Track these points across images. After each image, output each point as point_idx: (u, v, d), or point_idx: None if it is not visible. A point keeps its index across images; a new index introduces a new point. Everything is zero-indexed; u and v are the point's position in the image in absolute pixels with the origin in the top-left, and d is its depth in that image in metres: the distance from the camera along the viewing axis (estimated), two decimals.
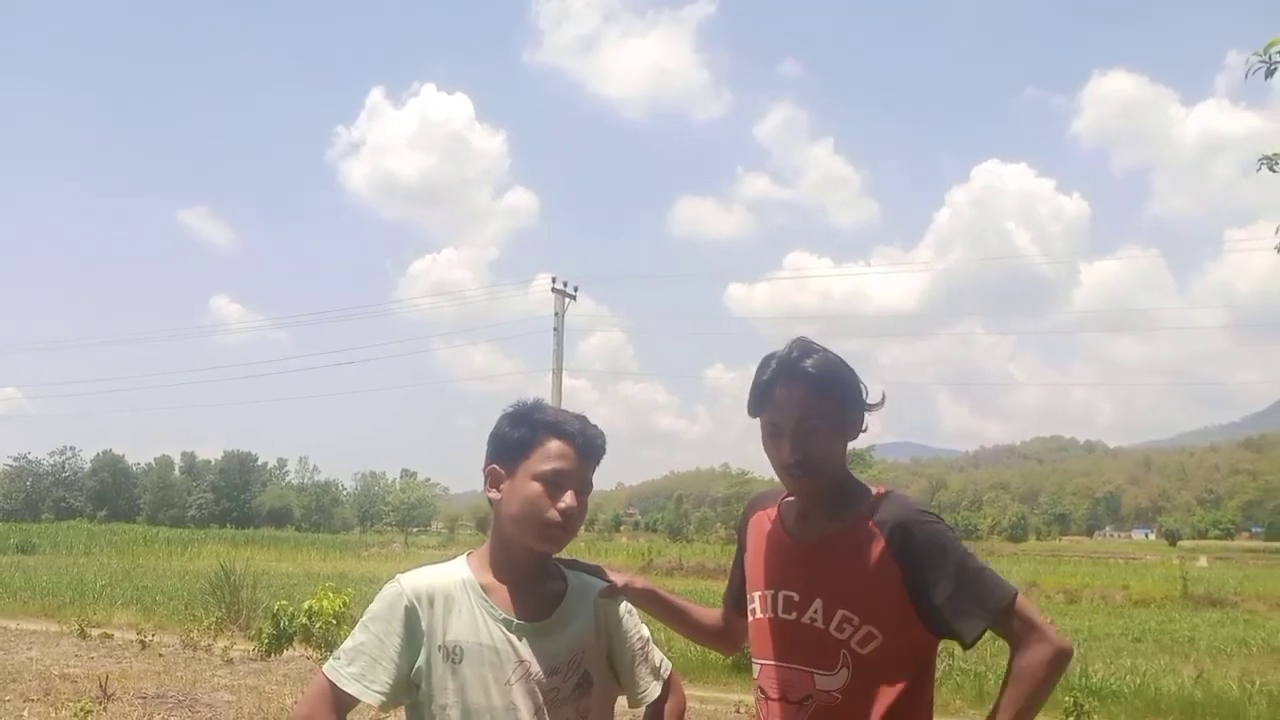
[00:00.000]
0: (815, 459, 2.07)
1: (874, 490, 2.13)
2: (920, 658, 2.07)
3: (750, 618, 2.20)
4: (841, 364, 2.11)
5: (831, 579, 2.05)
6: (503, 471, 2.04)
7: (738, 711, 8.71)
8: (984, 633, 2.01)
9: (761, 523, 2.27)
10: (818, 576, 2.08)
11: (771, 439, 2.11)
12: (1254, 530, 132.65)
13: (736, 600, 2.32)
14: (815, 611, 2.06)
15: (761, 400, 2.12)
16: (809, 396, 2.06)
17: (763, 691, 2.13)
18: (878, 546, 2.03)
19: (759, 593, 2.18)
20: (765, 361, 2.12)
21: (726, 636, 2.40)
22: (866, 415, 2.15)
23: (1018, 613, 1.99)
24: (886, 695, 2.01)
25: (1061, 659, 1.97)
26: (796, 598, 2.08)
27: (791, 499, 2.22)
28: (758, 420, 2.15)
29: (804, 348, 2.11)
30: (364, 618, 1.99)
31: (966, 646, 2.05)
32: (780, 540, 2.19)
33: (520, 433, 2.03)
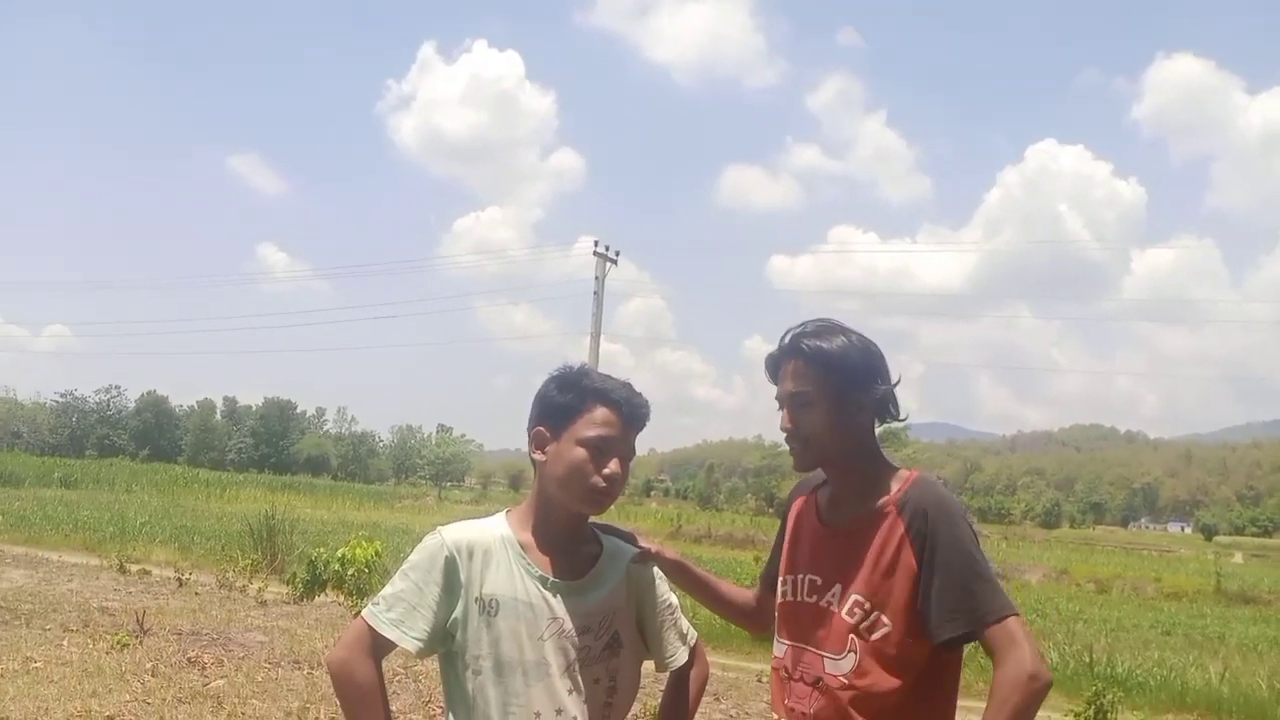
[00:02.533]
0: (805, 433, 2.13)
1: (905, 474, 2.13)
2: (934, 656, 2.02)
3: (780, 599, 2.23)
4: (858, 347, 2.13)
5: (850, 564, 2.07)
6: (548, 434, 2.06)
7: (760, 680, 8.76)
8: (959, 637, 1.97)
9: (800, 508, 2.31)
10: (839, 561, 2.10)
11: (778, 410, 2.18)
12: None
13: (770, 582, 2.34)
14: (832, 595, 2.09)
15: (771, 371, 2.21)
16: (807, 370, 2.11)
17: (786, 671, 2.16)
18: (897, 534, 2.04)
19: (789, 576, 2.22)
20: (782, 334, 2.19)
21: (755, 616, 2.42)
22: (891, 401, 2.15)
23: (1005, 627, 1.93)
24: (889, 687, 2.00)
25: (1036, 685, 1.86)
26: (819, 581, 2.12)
27: (825, 485, 2.25)
28: None
29: (819, 325, 2.16)
30: (404, 566, 2.03)
31: (937, 643, 1.99)
32: (812, 525, 2.23)
33: (567, 397, 2.05)
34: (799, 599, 2.16)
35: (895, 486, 2.10)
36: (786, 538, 2.30)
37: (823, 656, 2.07)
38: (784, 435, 2.17)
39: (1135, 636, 15.35)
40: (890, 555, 2.03)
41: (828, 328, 2.15)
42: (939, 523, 2.01)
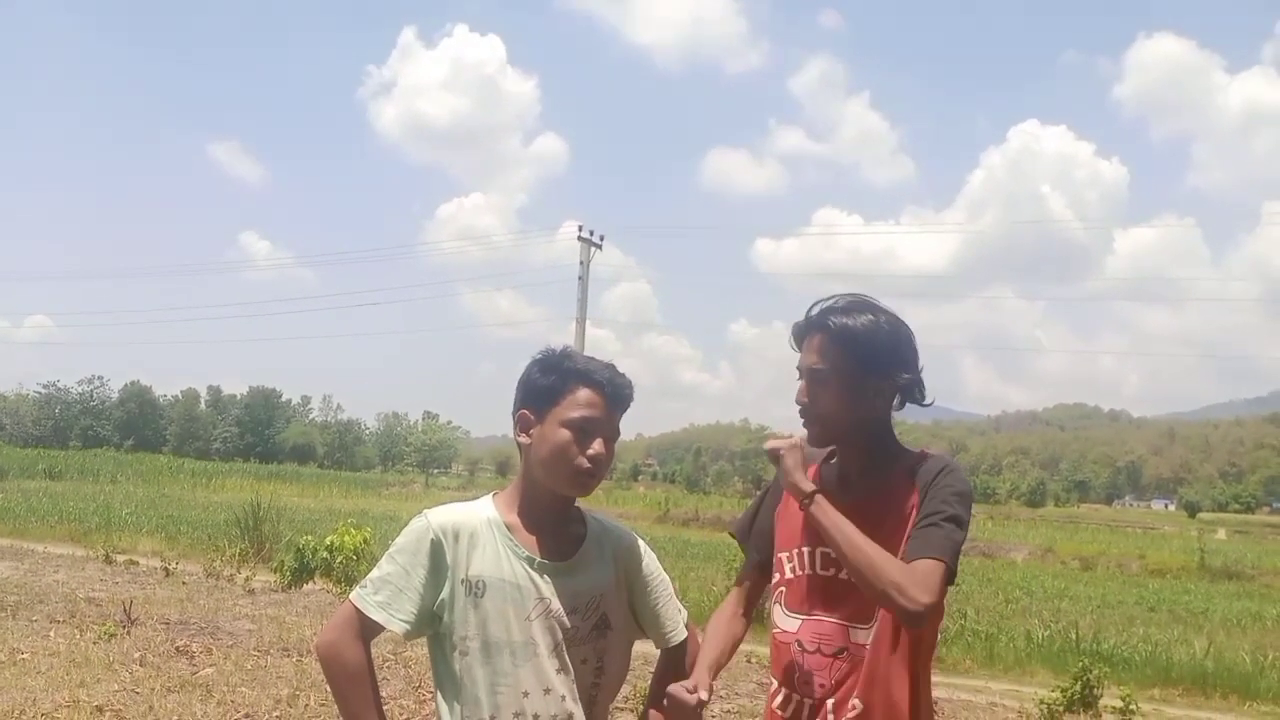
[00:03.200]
0: (819, 410, 2.13)
1: (919, 452, 2.16)
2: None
3: (788, 575, 2.21)
4: (886, 329, 2.11)
5: (867, 533, 2.05)
6: (532, 417, 2.07)
7: (749, 661, 8.80)
8: None
9: None
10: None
11: (798, 380, 2.18)
12: (1275, 505, 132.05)
13: (762, 566, 2.31)
14: None
15: (796, 340, 2.20)
16: (829, 347, 2.10)
17: (800, 645, 2.15)
18: (912, 500, 2.07)
19: (795, 549, 2.20)
20: (810, 306, 2.19)
21: (749, 616, 2.36)
22: (917, 386, 2.15)
23: (940, 562, 1.95)
24: (912, 642, 2.04)
25: (901, 595, 1.90)
26: (833, 554, 2.10)
27: (833, 460, 2.24)
28: (793, 372, 2.21)
29: (850, 301, 2.15)
30: (390, 549, 2.04)
31: None
32: None
33: (550, 380, 2.06)
34: (814, 572, 2.15)
35: (909, 462, 2.12)
36: (783, 509, 2.26)
37: (847, 627, 2.08)
38: (798, 409, 2.16)
39: (1120, 613, 15.49)
40: (905, 516, 2.05)
41: (858, 305, 2.13)
42: (939, 474, 2.06)
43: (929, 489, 2.05)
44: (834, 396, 2.10)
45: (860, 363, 2.08)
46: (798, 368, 2.17)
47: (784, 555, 2.22)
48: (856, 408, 2.11)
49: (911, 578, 1.92)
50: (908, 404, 2.18)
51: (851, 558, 1.98)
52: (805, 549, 2.18)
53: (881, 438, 2.16)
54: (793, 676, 2.16)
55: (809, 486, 2.08)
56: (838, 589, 2.11)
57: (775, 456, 2.17)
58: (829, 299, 2.17)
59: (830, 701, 2.08)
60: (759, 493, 2.41)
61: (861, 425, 2.13)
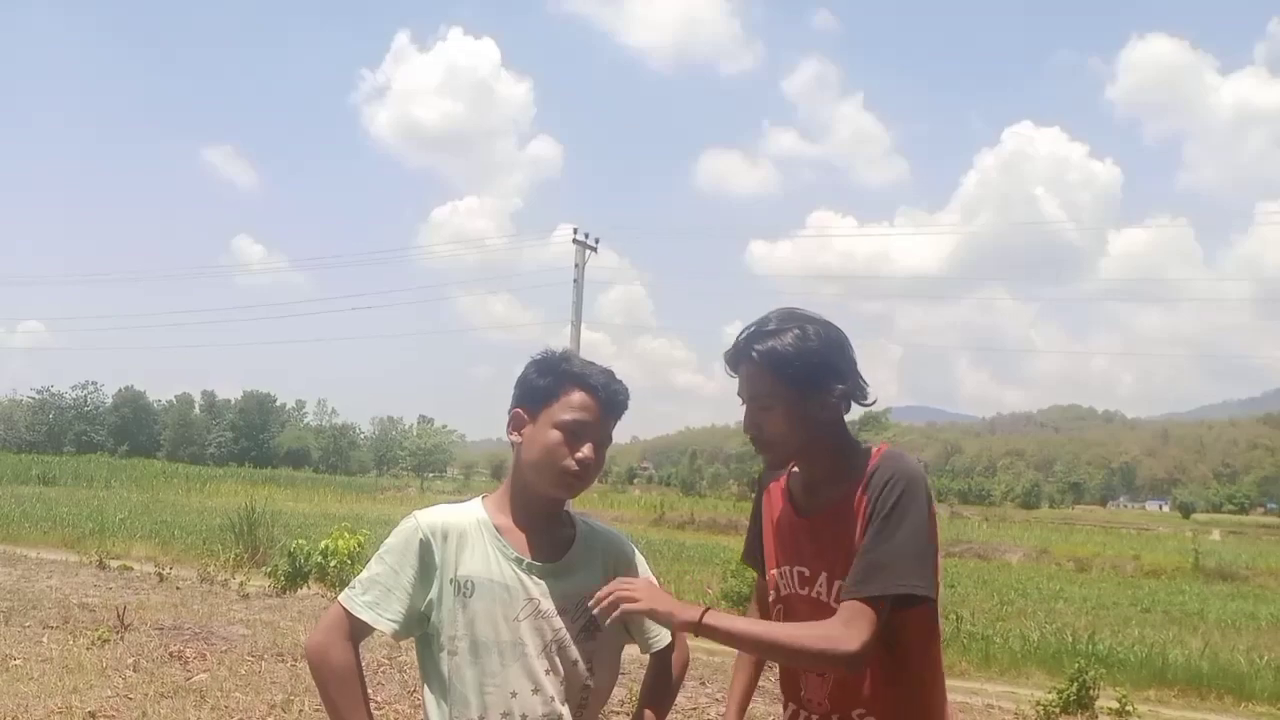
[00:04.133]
0: (768, 436, 2.11)
1: (874, 451, 2.10)
2: (918, 615, 2.04)
3: (778, 593, 2.21)
4: (814, 343, 2.05)
5: (832, 550, 2.06)
6: (526, 416, 2.06)
7: None
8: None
9: (773, 496, 2.29)
10: (822, 549, 2.10)
11: (741, 406, 2.16)
12: (1269, 506, 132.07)
13: (754, 559, 2.36)
14: (821, 585, 2.09)
15: (730, 368, 2.17)
16: (761, 375, 2.06)
17: None
18: (862, 510, 2.03)
19: (776, 570, 2.21)
20: (739, 332, 2.15)
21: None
22: (856, 390, 2.10)
23: (864, 602, 1.92)
24: (889, 655, 2.02)
25: (830, 647, 1.90)
26: (807, 573, 2.12)
27: (797, 470, 2.23)
28: None
29: (775, 321, 2.09)
30: (380, 550, 2.04)
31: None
32: (788, 516, 2.21)
33: (546, 380, 2.05)
34: (794, 591, 2.16)
35: (864, 465, 2.08)
36: (768, 529, 2.28)
37: None
38: (749, 437, 2.15)
39: (1115, 614, 15.51)
40: (859, 533, 2.02)
41: (784, 322, 2.08)
42: (884, 488, 1.99)
43: (874, 505, 2.00)
44: (779, 421, 2.08)
45: (795, 383, 2.04)
46: (738, 394, 2.15)
47: (775, 573, 2.23)
48: (804, 426, 2.08)
49: (832, 633, 1.92)
50: (857, 406, 2.14)
51: (770, 651, 1.99)
52: (786, 567, 2.18)
53: (838, 444, 2.13)
54: (797, 692, 2.18)
55: (693, 614, 1.97)
56: (813, 608, 2.10)
57: (642, 615, 2.00)
58: (753, 324, 2.12)
59: (835, 717, 2.09)
60: (752, 522, 2.41)
61: (814, 440, 2.10)
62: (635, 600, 1.95)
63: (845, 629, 1.91)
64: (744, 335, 2.11)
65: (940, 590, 2.05)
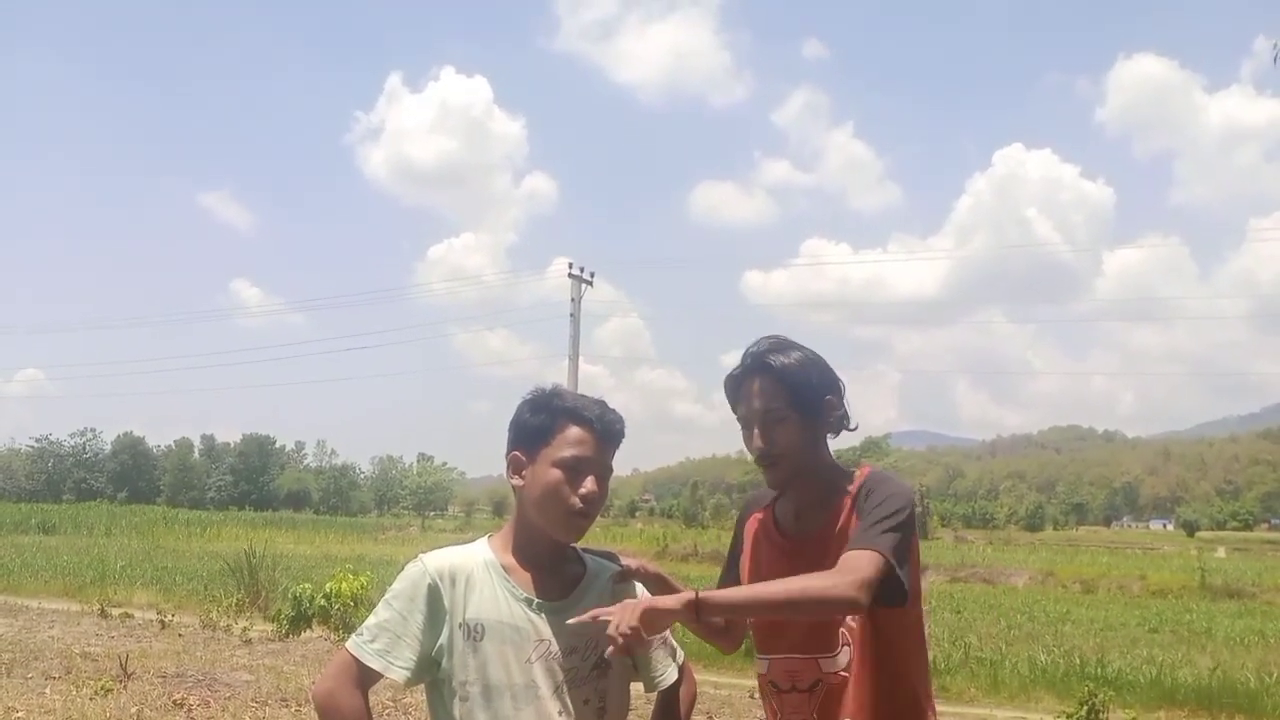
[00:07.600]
0: (781, 449, 2.15)
1: (859, 472, 2.18)
2: (909, 621, 2.11)
3: (757, 618, 2.23)
4: (814, 361, 2.18)
5: (823, 568, 2.07)
6: (524, 458, 2.06)
7: (752, 697, 8.73)
8: None
9: (756, 525, 2.33)
10: (812, 567, 2.09)
11: (745, 430, 2.20)
12: (1273, 521, 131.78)
13: (724, 582, 2.37)
14: None
15: (735, 392, 2.22)
16: (777, 386, 2.13)
17: (774, 685, 2.19)
18: (852, 520, 2.09)
19: None
20: (743, 354, 2.22)
21: (726, 634, 2.40)
22: (851, 411, 2.21)
23: (862, 550, 1.97)
24: (887, 663, 2.07)
25: (834, 596, 1.91)
26: None
27: (784, 498, 2.27)
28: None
29: (773, 342, 2.20)
30: (387, 595, 2.02)
31: None
32: (775, 539, 2.25)
33: (540, 419, 2.05)
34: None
35: (849, 486, 2.16)
36: (745, 557, 2.32)
37: (816, 659, 2.11)
38: (755, 455, 2.18)
39: (1123, 635, 15.41)
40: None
41: (784, 343, 2.19)
42: (873, 494, 2.08)
43: (861, 511, 2.08)
44: (793, 434, 2.14)
45: (806, 398, 2.14)
46: (741, 418, 2.20)
47: None
48: (814, 441, 2.17)
49: (834, 576, 1.94)
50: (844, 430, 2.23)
51: (774, 607, 1.99)
52: None
53: (829, 465, 2.22)
54: (777, 716, 2.19)
55: (689, 594, 1.96)
56: (790, 626, 2.14)
57: (644, 616, 1.90)
58: (754, 344, 2.21)
59: None
60: (729, 558, 2.43)
61: (817, 456, 2.19)
62: (632, 617, 1.87)
63: (850, 566, 1.95)
64: (751, 353, 2.19)
65: (921, 599, 2.12)
